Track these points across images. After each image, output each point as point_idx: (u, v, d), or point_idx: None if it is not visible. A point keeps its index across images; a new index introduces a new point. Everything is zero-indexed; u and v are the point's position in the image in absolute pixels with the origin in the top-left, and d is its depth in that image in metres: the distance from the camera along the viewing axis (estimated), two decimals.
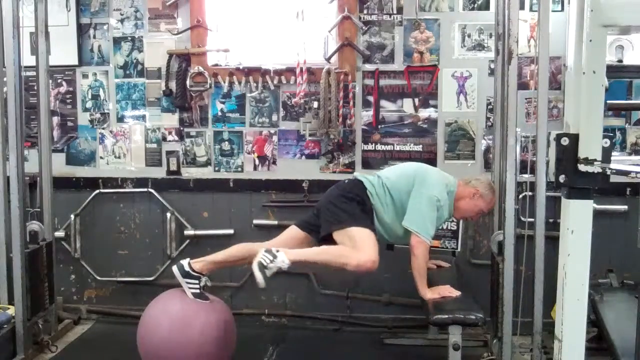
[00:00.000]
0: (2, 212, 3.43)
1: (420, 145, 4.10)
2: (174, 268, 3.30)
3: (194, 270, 3.26)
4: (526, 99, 3.95)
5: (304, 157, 4.19)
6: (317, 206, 3.46)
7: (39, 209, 3.88)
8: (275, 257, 3.07)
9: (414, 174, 3.37)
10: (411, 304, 3.98)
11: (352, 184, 3.42)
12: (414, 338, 3.94)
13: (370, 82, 4.10)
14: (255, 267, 3.06)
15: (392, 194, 3.34)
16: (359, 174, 3.55)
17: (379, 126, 4.11)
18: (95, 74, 4.28)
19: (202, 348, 3.11)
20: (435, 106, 4.08)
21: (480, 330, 3.66)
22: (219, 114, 4.22)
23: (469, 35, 4.02)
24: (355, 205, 3.30)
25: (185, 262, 3.30)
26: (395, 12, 4.06)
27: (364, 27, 4.07)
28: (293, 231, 3.47)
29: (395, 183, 3.37)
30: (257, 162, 4.22)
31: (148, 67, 4.24)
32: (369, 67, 4.09)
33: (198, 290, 3.24)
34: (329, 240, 3.27)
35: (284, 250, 3.14)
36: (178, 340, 3.08)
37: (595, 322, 3.21)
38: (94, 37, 4.26)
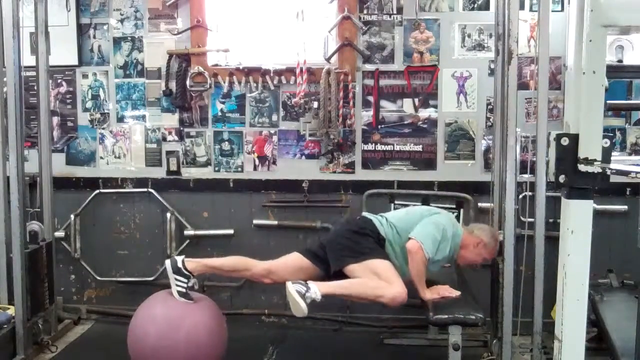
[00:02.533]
0: (2, 212, 3.44)
1: (420, 145, 4.10)
2: (167, 262, 3.31)
3: (185, 269, 3.27)
4: (526, 99, 3.95)
5: (304, 157, 4.19)
6: (324, 240, 3.43)
7: (39, 209, 3.88)
8: (308, 288, 3.05)
9: (422, 212, 3.38)
10: (411, 304, 3.97)
11: (363, 221, 3.42)
12: (414, 338, 3.94)
13: (370, 82, 4.10)
14: (296, 295, 3.00)
15: (400, 232, 3.32)
16: (367, 214, 3.51)
17: (379, 126, 4.11)
18: (95, 74, 4.28)
19: (190, 349, 3.09)
20: (435, 106, 4.08)
21: (480, 330, 3.66)
22: (219, 114, 4.21)
23: (469, 35, 4.02)
24: (372, 240, 3.30)
25: (179, 259, 3.31)
26: (395, 12, 4.06)
27: (364, 27, 4.07)
28: (297, 259, 3.41)
29: (402, 221, 3.36)
30: (257, 162, 4.22)
31: (148, 67, 4.24)
32: (369, 67, 4.09)
33: (184, 290, 3.23)
34: (340, 276, 3.24)
35: (314, 283, 3.11)
36: (166, 345, 3.07)
37: (595, 322, 3.21)
38: (94, 37, 4.26)
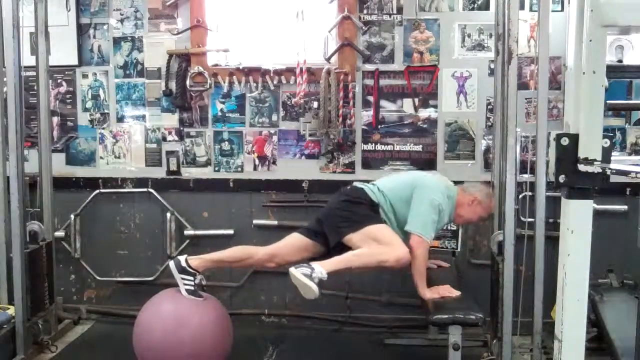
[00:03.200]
0: (2, 212, 3.43)
1: (420, 145, 4.10)
2: (171, 263, 3.33)
3: (190, 267, 3.28)
4: (526, 99, 3.94)
5: (303, 157, 4.19)
6: (320, 215, 3.44)
7: (39, 209, 3.87)
8: (312, 269, 3.04)
9: (413, 181, 3.39)
10: (411, 304, 3.98)
11: (353, 190, 3.44)
12: (414, 338, 3.94)
13: (370, 82, 4.09)
14: (303, 278, 2.99)
15: (392, 201, 3.36)
16: (358, 183, 3.55)
17: (379, 126, 4.11)
18: (95, 74, 4.28)
19: (196, 348, 3.11)
20: (435, 106, 4.08)
21: (480, 330, 3.66)
22: (219, 114, 4.21)
23: (469, 35, 4.02)
24: (365, 207, 3.31)
25: (182, 258, 3.32)
26: (395, 12, 4.06)
27: (364, 27, 4.07)
28: (298, 239, 3.42)
29: (393, 190, 3.39)
30: (257, 162, 4.22)
31: (148, 67, 4.24)
32: (369, 67, 4.09)
33: (192, 287, 3.25)
34: (341, 249, 3.24)
35: (316, 263, 3.11)
36: (172, 341, 3.09)
37: (595, 322, 3.21)
38: (94, 37, 4.26)
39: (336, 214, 3.34)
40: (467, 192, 3.47)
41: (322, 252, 3.34)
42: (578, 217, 1.41)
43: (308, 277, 2.99)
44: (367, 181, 3.55)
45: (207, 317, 3.21)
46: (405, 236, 3.28)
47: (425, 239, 3.21)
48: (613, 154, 1.41)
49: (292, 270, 3.05)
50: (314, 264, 3.07)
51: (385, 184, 3.46)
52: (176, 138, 4.26)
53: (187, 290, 3.24)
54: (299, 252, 3.36)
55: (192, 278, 3.27)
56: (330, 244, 3.29)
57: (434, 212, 3.27)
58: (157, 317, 3.20)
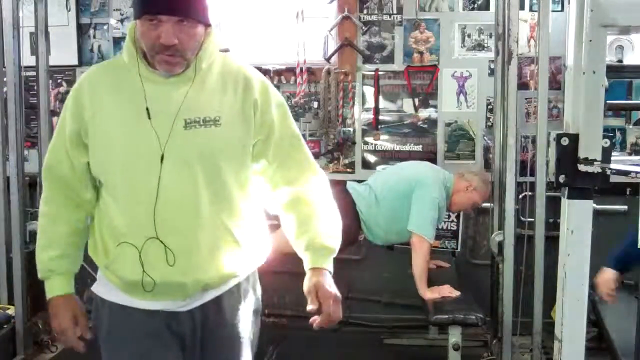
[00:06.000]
0: (2, 212, 3.43)
1: (420, 145, 4.10)
2: None
3: None
4: (526, 99, 3.94)
5: None
6: None
7: (39, 209, 3.87)
8: None
9: (414, 177, 3.37)
10: (411, 304, 3.97)
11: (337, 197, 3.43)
12: (414, 338, 3.94)
13: (370, 82, 4.09)
14: None
15: (384, 204, 3.33)
16: (350, 183, 3.51)
17: (379, 126, 4.11)
18: None
19: None
20: (435, 106, 4.08)
21: (480, 330, 3.66)
22: None
23: (469, 35, 4.02)
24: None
25: None
26: (395, 12, 4.06)
27: (364, 27, 4.07)
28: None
29: (393, 189, 3.36)
30: None
31: None
32: (369, 67, 4.09)
33: None
34: None
35: None
36: None
37: (595, 322, 3.21)
38: (94, 37, 4.26)
39: None
40: (464, 178, 3.45)
41: None
42: (578, 217, 1.41)
43: None
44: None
45: None
46: (403, 232, 3.28)
47: (426, 238, 3.21)
48: (613, 154, 1.40)
49: None
50: None
51: (383, 183, 3.43)
52: None
53: None
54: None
55: None
56: None
57: (434, 210, 3.26)
58: None
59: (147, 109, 1.62)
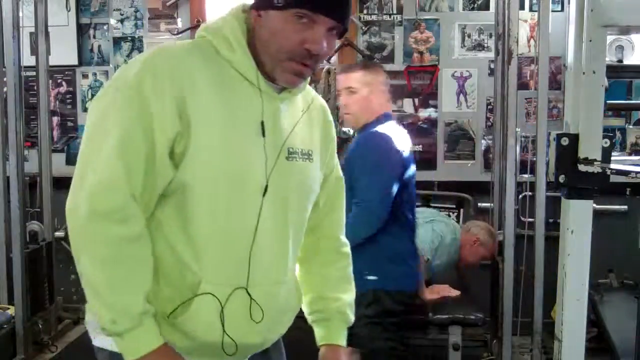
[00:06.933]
0: (2, 212, 3.43)
1: (420, 145, 4.10)
2: None
3: None
4: (526, 99, 3.94)
5: None
6: None
7: (39, 209, 3.88)
8: None
9: (423, 217, 3.27)
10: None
11: None
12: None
13: None
14: None
15: None
16: None
17: None
18: (95, 74, 4.28)
19: None
20: (435, 106, 4.08)
21: (480, 330, 3.65)
22: None
23: (469, 35, 4.02)
24: None
25: None
26: (395, 12, 4.06)
27: (364, 27, 4.07)
28: None
29: None
30: None
31: None
32: None
33: None
34: None
35: None
36: None
37: (595, 322, 3.21)
38: (94, 37, 4.26)
39: None
40: (470, 232, 3.33)
41: None
42: (578, 217, 1.41)
43: None
44: None
45: None
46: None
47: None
48: (613, 154, 1.40)
49: None
50: None
51: None
52: None
53: None
54: None
55: None
56: None
57: (436, 239, 3.17)
58: None
59: (262, 123, 1.28)
